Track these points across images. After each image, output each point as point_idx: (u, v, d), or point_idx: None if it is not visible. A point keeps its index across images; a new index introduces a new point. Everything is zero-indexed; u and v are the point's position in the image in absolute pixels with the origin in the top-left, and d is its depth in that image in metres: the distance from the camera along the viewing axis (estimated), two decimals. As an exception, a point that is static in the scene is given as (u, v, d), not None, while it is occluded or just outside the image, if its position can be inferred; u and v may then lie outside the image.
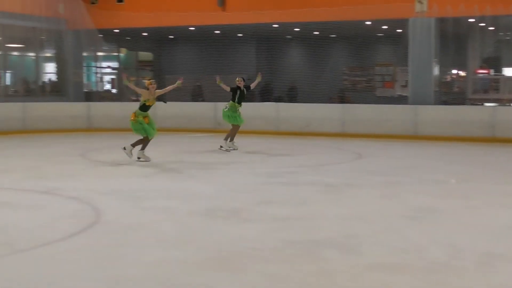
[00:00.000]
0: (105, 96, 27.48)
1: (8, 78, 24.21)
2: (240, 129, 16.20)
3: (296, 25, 24.21)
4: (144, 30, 26.11)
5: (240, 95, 15.70)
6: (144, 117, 13.61)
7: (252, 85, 16.15)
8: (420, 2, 19.93)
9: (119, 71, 29.58)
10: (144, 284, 5.69)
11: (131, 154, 13.63)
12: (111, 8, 23.97)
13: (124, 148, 13.71)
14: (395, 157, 15.53)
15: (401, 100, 22.85)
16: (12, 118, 20.43)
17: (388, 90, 26.51)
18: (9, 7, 21.56)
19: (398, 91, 25.39)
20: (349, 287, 5.68)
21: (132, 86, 14.83)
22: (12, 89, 24.00)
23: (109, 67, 30.28)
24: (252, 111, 21.19)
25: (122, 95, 28.25)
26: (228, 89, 15.81)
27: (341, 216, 8.53)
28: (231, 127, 16.08)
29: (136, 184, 11.19)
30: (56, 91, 24.61)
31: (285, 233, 7.55)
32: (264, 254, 6.66)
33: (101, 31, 23.91)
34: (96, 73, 28.39)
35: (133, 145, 13.71)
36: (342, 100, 23.74)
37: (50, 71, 26.18)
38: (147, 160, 13.65)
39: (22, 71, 25.40)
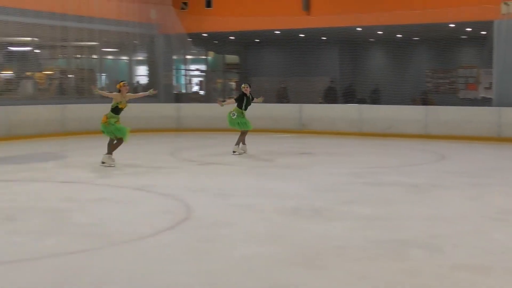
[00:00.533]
0: (194, 98, 27.87)
1: (103, 80, 24.84)
2: (324, 129, 16.11)
3: (380, 28, 23.95)
4: (231, 34, 26.34)
5: (246, 102, 15.20)
6: (116, 120, 12.98)
7: (254, 100, 15.64)
8: (507, 4, 19.39)
9: (206, 74, 29.98)
10: (234, 278, 5.74)
11: (113, 161, 12.91)
12: (200, 13, 24.32)
13: (103, 162, 12.84)
14: (479, 158, 15.18)
15: (484, 102, 22.30)
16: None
17: (472, 92, 25.92)
18: (105, 13, 22.14)
19: (482, 93, 24.78)
20: (435, 286, 5.58)
21: (102, 93, 14.01)
22: (107, 91, 24.57)
23: (197, 69, 30.68)
24: (335, 113, 21.17)
25: (210, 96, 28.59)
26: (231, 101, 15.74)
27: (425, 217, 8.40)
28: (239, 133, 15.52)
29: (224, 182, 11.30)
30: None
31: (369, 232, 7.49)
32: (350, 252, 6.62)
33: (190, 35, 24.26)
34: (185, 75, 28.81)
35: (110, 153, 13.00)
36: (425, 102, 23.33)
37: (142, 73, 26.74)
38: (111, 165, 12.75)
39: (116, 73, 26.05)
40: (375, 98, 24.91)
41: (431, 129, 19.30)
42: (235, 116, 15.09)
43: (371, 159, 15.02)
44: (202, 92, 30.28)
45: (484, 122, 18.69)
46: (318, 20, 22.59)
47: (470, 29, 23.77)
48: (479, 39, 22.56)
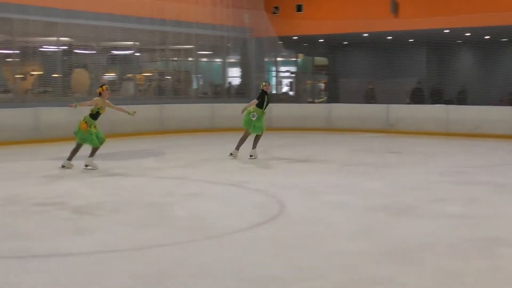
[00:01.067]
0: (283, 98, 27.95)
1: (198, 82, 25.24)
2: (411, 129, 15.78)
3: (467, 30, 23.37)
4: (321, 37, 26.29)
5: (267, 101, 13.80)
6: (94, 126, 12.06)
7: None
8: None
9: (296, 75, 30.00)
10: (326, 273, 5.71)
11: (95, 165, 12.10)
12: (291, 17, 24.37)
13: (86, 166, 12.07)
14: None
15: None
16: (202, 118, 21.29)
17: None
18: (201, 18, 22.49)
19: None
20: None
21: (84, 104, 12.55)
22: (201, 92, 25.00)
23: (287, 71, 30.75)
24: (422, 113, 20.79)
25: (299, 97, 28.61)
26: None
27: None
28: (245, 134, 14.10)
29: (314, 179, 11.26)
30: (240, 93, 25.36)
31: (458, 230, 7.32)
32: (439, 249, 6.48)
33: (281, 38, 24.34)
34: (276, 76, 28.91)
35: (91, 156, 12.15)
36: (512, 103, 22.63)
37: (234, 75, 27.01)
38: (95, 167, 12.05)
39: (210, 75, 26.44)
40: (462, 99, 24.32)
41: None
42: (255, 118, 13.62)
43: (458, 159, 14.67)
44: (291, 93, 30.34)
45: None
46: (406, 22, 22.26)
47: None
48: None
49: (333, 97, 27.70)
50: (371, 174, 11.93)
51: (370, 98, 25.85)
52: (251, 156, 13.75)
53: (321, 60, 31.30)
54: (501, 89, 23.99)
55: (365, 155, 15.05)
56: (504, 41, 26.19)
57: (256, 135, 13.84)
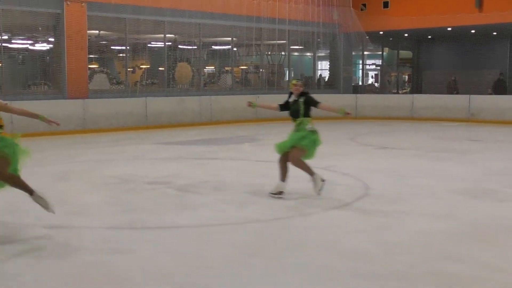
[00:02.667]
0: (369, 89, 27.71)
1: (290, 74, 25.34)
2: (493, 119, 15.02)
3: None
4: (406, 31, 25.89)
5: (293, 108, 8.54)
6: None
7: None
8: None
9: (381, 68, 29.66)
10: (411, 249, 5.73)
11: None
12: (378, 13, 24.09)
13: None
14: None
15: None
16: (293, 107, 21.37)
17: None
18: (294, 15, 22.56)
19: None
20: None
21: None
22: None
23: (373, 64, 30.44)
24: (504, 103, 20.18)
25: (384, 88, 28.28)
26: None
27: None
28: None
29: (399, 164, 11.19)
30: (329, 85, 25.32)
31: None
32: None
33: (368, 33, 24.10)
34: (362, 69, 28.68)
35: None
36: None
37: (324, 68, 26.95)
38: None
39: (301, 68, 26.50)
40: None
41: None
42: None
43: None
44: (376, 84, 30.04)
45: None
46: (490, 16, 21.57)
47: None
48: None
49: (416, 88, 27.24)
50: (453, 160, 11.73)
51: (452, 89, 25.25)
52: (275, 194, 8.17)
53: (405, 54, 30.79)
54: None
55: (447, 143, 14.76)
56: None
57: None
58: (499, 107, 19.96)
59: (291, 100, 8.47)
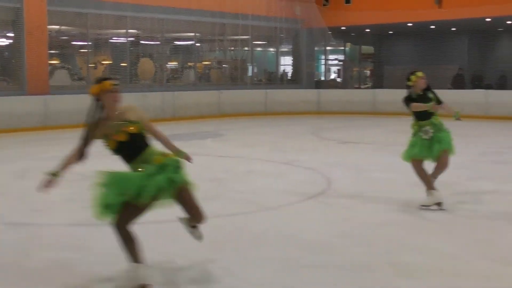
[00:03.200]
0: (332, 84, 27.93)
1: (253, 69, 25.42)
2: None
3: (508, 18, 22.90)
4: (367, 27, 26.16)
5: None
6: None
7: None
8: None
9: (344, 63, 29.92)
10: (371, 241, 5.85)
11: None
12: (340, 9, 24.30)
13: None
14: None
15: None
16: (256, 103, 21.47)
17: None
18: (257, 11, 22.63)
19: None
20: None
21: None
22: (256, 79, 25.16)
23: (336, 59, 30.71)
24: (463, 97, 20.51)
25: (346, 83, 28.55)
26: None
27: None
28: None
29: (361, 158, 11.36)
30: (292, 80, 25.47)
31: (494, 205, 7.35)
32: (469, 221, 6.58)
33: (330, 28, 24.30)
34: (324, 64, 28.89)
35: None
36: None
37: (287, 63, 27.10)
38: None
39: (264, 63, 26.60)
40: (501, 84, 23.90)
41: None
42: (430, 135, 7.45)
43: (498, 140, 14.50)
44: (339, 79, 30.30)
45: None
46: (449, 12, 21.95)
47: None
48: None
49: (378, 83, 27.56)
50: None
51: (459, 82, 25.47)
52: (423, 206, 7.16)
53: (367, 49, 31.10)
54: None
55: (407, 136, 14.96)
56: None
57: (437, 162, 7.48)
58: (458, 101, 20.27)
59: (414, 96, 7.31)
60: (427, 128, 7.33)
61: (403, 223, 6.49)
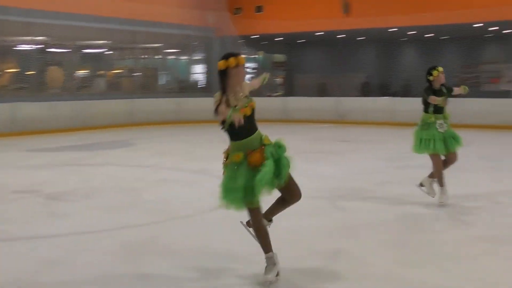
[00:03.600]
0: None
1: (165, 78, 25.25)
2: (360, 120, 15.45)
3: (412, 29, 23.80)
4: (279, 35, 26.50)
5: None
6: None
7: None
8: (528, 5, 19.09)
9: (256, 71, 30.17)
10: (279, 247, 5.90)
11: None
12: (251, 17, 24.54)
13: None
14: (500, 144, 15.03)
15: (505, 94, 21.94)
16: (168, 111, 21.28)
17: (494, 85, 25.52)
18: (169, 19, 22.51)
19: (503, 87, 24.36)
20: (452, 254, 5.68)
21: None
22: (168, 87, 25.02)
23: (248, 67, 30.91)
24: (370, 104, 21.14)
25: (259, 91, 28.78)
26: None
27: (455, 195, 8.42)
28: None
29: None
30: (204, 88, 25.47)
31: (399, 209, 7.58)
32: (380, 225, 6.74)
33: (242, 37, 24.49)
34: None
35: None
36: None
37: (199, 71, 27.08)
38: None
39: (176, 72, 26.47)
40: (407, 92, 24.79)
41: (455, 119, 18.99)
42: (445, 128, 7.79)
43: (403, 146, 14.90)
44: (252, 87, 30.50)
45: (507, 112, 18.47)
46: (356, 22, 22.57)
47: (494, 28, 23.42)
48: (502, 37, 22.24)
49: (289, 91, 27.97)
50: (323, 160, 12.18)
51: (322, 91, 26.17)
52: (441, 203, 7.65)
53: (279, 57, 31.52)
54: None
55: (317, 144, 15.30)
56: (445, 38, 26.71)
57: (449, 157, 7.80)
58: (365, 108, 20.93)
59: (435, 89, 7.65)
60: (442, 121, 7.69)
61: (313, 229, 6.59)
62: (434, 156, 7.69)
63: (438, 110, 7.74)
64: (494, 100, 19.70)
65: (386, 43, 26.55)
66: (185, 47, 24.55)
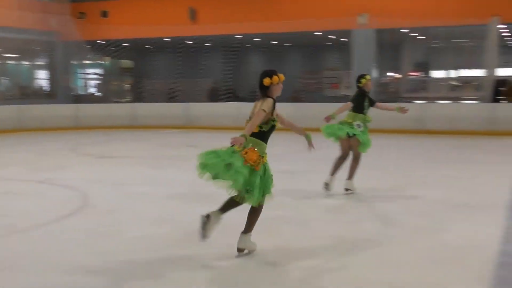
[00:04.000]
0: (91, 99, 27.43)
1: (4, 84, 24.05)
2: (208, 125, 15.55)
3: (257, 36, 24.45)
4: (126, 41, 26.16)
5: (369, 103, 9.01)
6: None
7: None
8: (362, 16, 20.26)
9: (103, 77, 29.57)
10: (127, 256, 5.84)
11: None
12: (96, 22, 24.00)
13: None
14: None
15: (345, 98, 23.09)
16: (8, 119, 20.19)
17: (335, 90, 26.83)
18: (9, 22, 21.44)
19: (343, 91, 25.67)
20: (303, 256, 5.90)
21: None
22: (8, 94, 23.82)
23: (94, 73, 30.22)
24: (217, 110, 21.42)
25: (106, 97, 28.23)
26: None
27: (295, 196, 8.71)
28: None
29: (120, 173, 11.27)
30: (48, 94, 24.54)
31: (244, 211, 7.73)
32: (230, 229, 6.81)
33: (88, 42, 23.88)
34: (83, 78, 28.29)
35: None
36: (296, 100, 23.98)
37: (42, 77, 26.06)
38: None
39: (18, 78, 25.27)
40: (253, 97, 25.34)
41: (299, 123, 19.70)
42: (361, 128, 8.85)
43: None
44: (99, 94, 29.84)
45: (343, 116, 19.45)
46: (203, 29, 22.80)
47: (333, 37, 24.65)
48: (341, 45, 23.45)
49: (138, 97, 27.69)
50: (172, 166, 12.16)
51: (171, 97, 26.17)
52: (347, 190, 8.83)
53: (127, 63, 31.12)
54: (285, 88, 25.28)
55: (167, 149, 15.28)
56: (288, 45, 27.73)
57: (355, 158, 8.95)
58: (213, 113, 21.19)
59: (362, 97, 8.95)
60: (359, 122, 8.81)
61: (164, 236, 6.56)
62: (341, 141, 8.97)
63: (359, 111, 8.85)
64: (336, 104, 20.62)
65: (233, 49, 27.03)
66: (26, 52, 23.50)
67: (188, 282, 5.11)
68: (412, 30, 22.42)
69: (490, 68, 19.05)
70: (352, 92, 19.91)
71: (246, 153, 5.61)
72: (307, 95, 25.94)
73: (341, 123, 8.90)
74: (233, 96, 25.28)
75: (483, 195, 8.86)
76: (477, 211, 7.84)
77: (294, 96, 24.96)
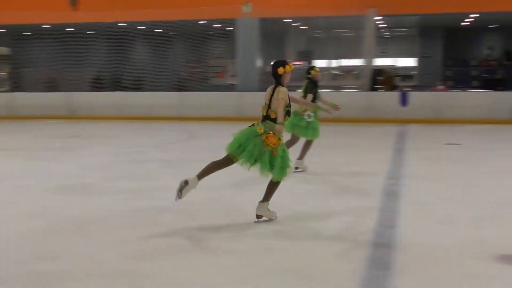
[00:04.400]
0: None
1: None
2: (92, 115, 15.38)
3: (142, 24, 24.13)
4: (1, 27, 25.03)
5: (318, 94, 9.66)
6: None
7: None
8: (246, 5, 20.47)
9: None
10: (4, 252, 5.68)
11: None
12: (-33, 7, 22.78)
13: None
14: (223, 136, 15.94)
15: (231, 87, 23.33)
16: None
17: (220, 79, 26.99)
18: None
19: (229, 80, 25.85)
20: (184, 244, 5.96)
21: None
22: None
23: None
24: (101, 99, 21.01)
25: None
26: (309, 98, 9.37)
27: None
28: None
29: (0, 166, 10.90)
30: None
31: (131, 203, 7.70)
32: (113, 221, 6.79)
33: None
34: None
35: None
36: (180, 88, 23.95)
37: None
38: None
39: None
40: (138, 86, 25.08)
41: (185, 112, 19.78)
42: (311, 119, 9.44)
43: (134, 140, 15.13)
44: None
45: (229, 104, 19.65)
46: (84, 15, 22.15)
47: (218, 25, 24.73)
48: (225, 34, 23.59)
49: (17, 86, 26.60)
50: (54, 158, 11.85)
51: (52, 86, 25.34)
52: (297, 168, 9.51)
53: (3, 50, 29.76)
54: (171, 77, 25.20)
55: (49, 141, 14.84)
56: (173, 34, 27.54)
57: (307, 141, 9.80)
58: (96, 103, 20.75)
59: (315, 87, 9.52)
60: (310, 113, 9.34)
61: (39, 230, 6.41)
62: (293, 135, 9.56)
63: (312, 101, 9.32)
64: (220, 93, 20.85)
65: (117, 37, 26.50)
66: None
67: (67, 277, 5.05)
68: (295, 20, 22.93)
69: (368, 58, 19.83)
70: (240, 81, 20.35)
71: (267, 137, 6.33)
72: (192, 85, 25.94)
73: (295, 114, 9.31)
74: (117, 85, 24.84)
75: (359, 181, 9.28)
76: (353, 196, 8.22)
77: (178, 85, 24.92)
